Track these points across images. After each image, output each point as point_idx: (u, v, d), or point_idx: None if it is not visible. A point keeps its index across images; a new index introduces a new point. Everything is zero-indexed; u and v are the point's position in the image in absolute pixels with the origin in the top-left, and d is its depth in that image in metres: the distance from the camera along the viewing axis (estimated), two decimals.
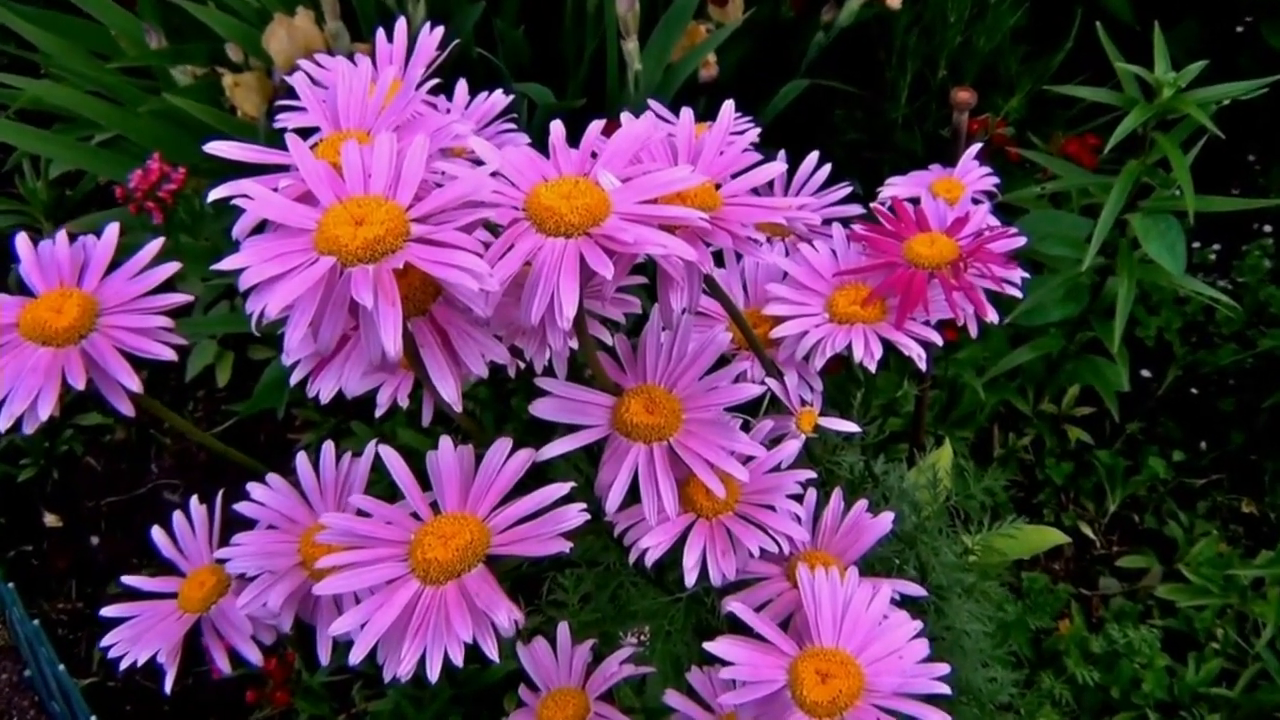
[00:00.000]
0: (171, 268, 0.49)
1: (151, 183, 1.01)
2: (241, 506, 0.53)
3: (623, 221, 0.42)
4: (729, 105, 0.49)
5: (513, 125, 0.61)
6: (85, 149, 1.15)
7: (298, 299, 0.39)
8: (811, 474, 0.52)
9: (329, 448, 0.54)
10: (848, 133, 1.18)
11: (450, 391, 0.45)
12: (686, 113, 0.49)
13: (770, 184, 0.67)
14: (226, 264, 0.40)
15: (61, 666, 0.89)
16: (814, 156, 0.68)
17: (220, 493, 0.56)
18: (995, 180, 0.68)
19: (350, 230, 0.40)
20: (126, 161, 1.07)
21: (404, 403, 0.56)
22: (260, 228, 0.44)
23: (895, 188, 0.68)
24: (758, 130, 0.49)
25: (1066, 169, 0.96)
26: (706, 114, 0.57)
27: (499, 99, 0.62)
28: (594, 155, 0.46)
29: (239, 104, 1.06)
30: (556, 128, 0.46)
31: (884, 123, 1.17)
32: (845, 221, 0.63)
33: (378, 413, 0.56)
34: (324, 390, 0.46)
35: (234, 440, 1.22)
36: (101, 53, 1.15)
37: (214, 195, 0.43)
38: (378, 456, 0.50)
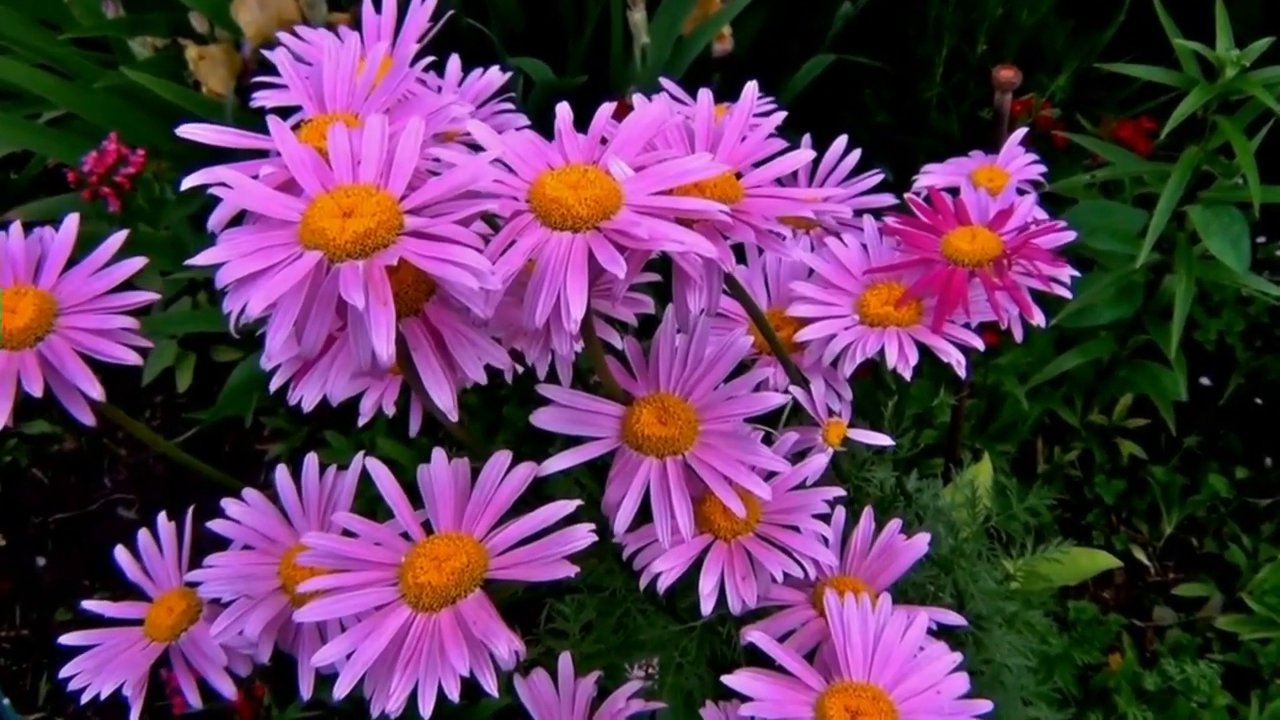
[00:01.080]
0: (137, 263, 0.50)
1: (107, 166, 1.01)
2: (216, 524, 0.53)
3: (636, 214, 0.42)
4: (752, 86, 0.50)
5: (510, 105, 0.62)
6: (33, 128, 1.15)
7: (281, 297, 0.39)
8: (840, 491, 0.53)
9: (312, 460, 0.54)
10: (877, 114, 1.19)
11: (445, 399, 0.45)
12: (705, 94, 0.50)
13: (794, 172, 0.67)
14: (202, 258, 0.41)
15: (6, 700, 0.90)
16: (842, 141, 0.68)
17: (190, 509, 0.57)
18: (1042, 169, 0.69)
19: (338, 222, 0.41)
20: (79, 142, 1.08)
21: (390, 410, 0.57)
22: (238, 219, 0.44)
23: (932, 176, 0.69)
24: (784, 114, 0.50)
25: (1118, 155, 0.97)
26: (721, 92, 0.57)
27: (495, 76, 0.62)
28: (604, 141, 0.46)
29: (204, 80, 1.07)
30: (563, 111, 0.47)
31: (917, 103, 1.17)
32: (876, 213, 0.64)
33: (360, 421, 0.57)
34: (307, 397, 0.46)
35: (195, 451, 1.22)
36: (51, 22, 1.16)
37: (188, 183, 0.44)
38: (364, 470, 0.51)
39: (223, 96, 1.05)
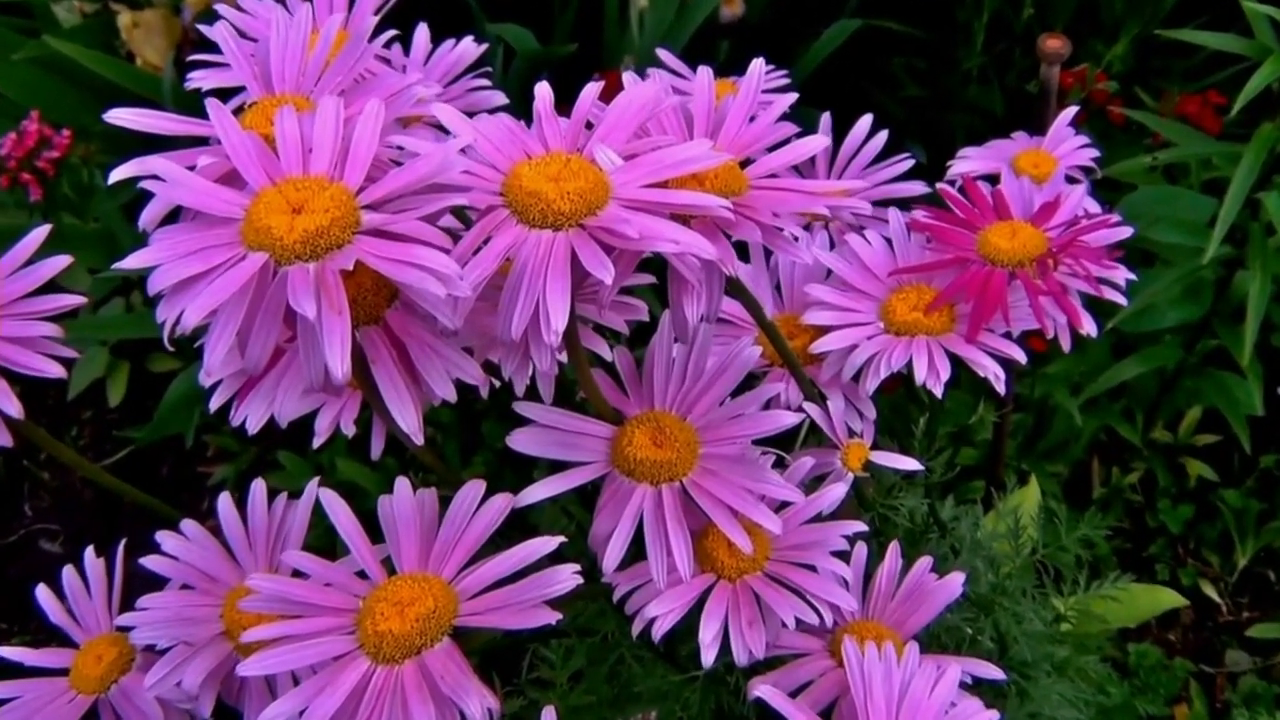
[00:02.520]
0: (61, 261, 0.50)
1: (28, 149, 1.02)
2: (150, 561, 0.54)
3: (625, 210, 0.43)
4: (759, 64, 0.50)
5: (486, 82, 0.63)
6: None
7: (222, 305, 0.40)
8: (861, 525, 0.53)
9: (260, 488, 0.55)
10: (908, 87, 1.19)
11: (409, 419, 0.46)
12: (705, 72, 0.50)
13: (811, 159, 0.68)
14: (132, 261, 0.41)
15: None
16: (866, 121, 0.69)
17: (122, 543, 0.57)
18: (1094, 153, 0.69)
19: (286, 220, 0.41)
20: None
21: (349, 430, 0.57)
22: (174, 216, 0.45)
23: (968, 161, 0.69)
24: (794, 96, 0.50)
25: (1183, 134, 0.97)
26: (729, 63, 0.58)
27: (469, 49, 0.63)
28: (589, 125, 0.47)
29: (139, 50, 1.07)
30: (543, 91, 0.47)
31: (954, 75, 1.18)
32: (905, 204, 0.64)
33: (315, 442, 0.57)
34: (252, 417, 0.47)
35: (129, 474, 1.23)
36: None
37: (116, 175, 0.44)
38: (318, 499, 0.51)
39: (160, 69, 1.05)
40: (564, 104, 0.48)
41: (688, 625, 0.51)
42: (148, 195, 0.44)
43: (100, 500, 1.23)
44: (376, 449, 0.58)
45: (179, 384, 1.10)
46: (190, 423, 1.12)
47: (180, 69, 1.06)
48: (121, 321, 1.19)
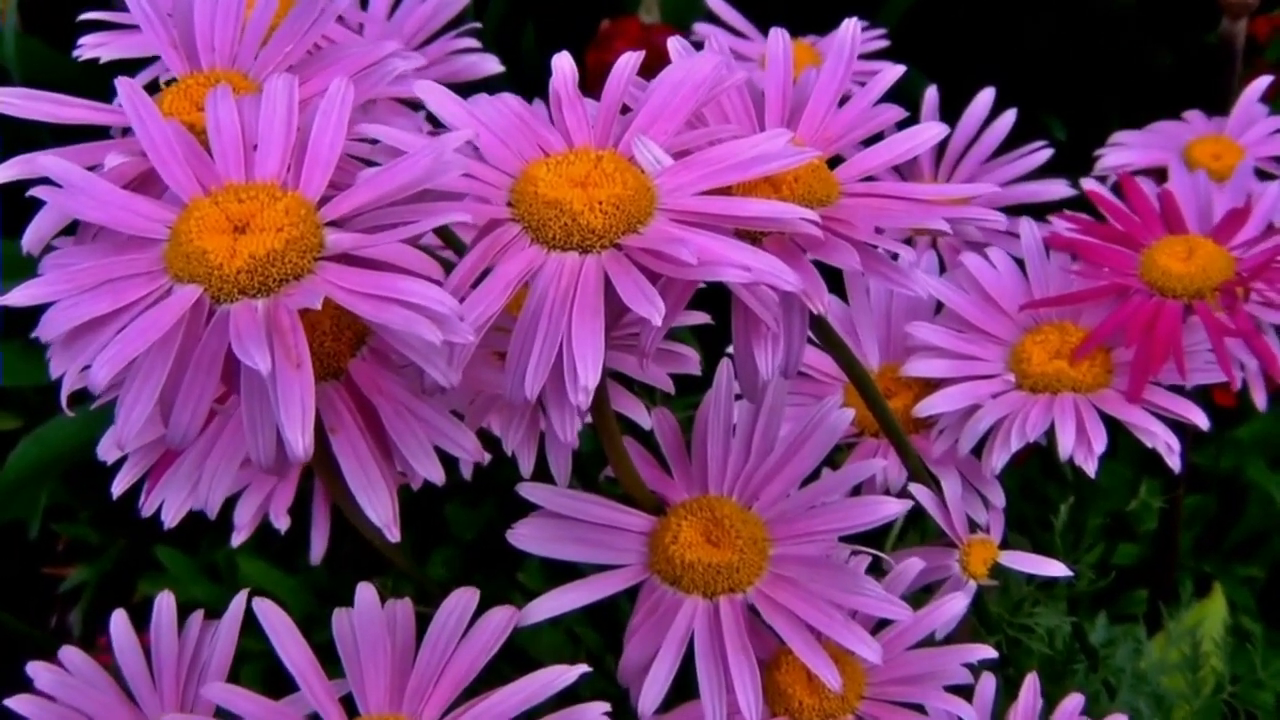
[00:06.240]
0: None
1: None
2: (19, 702, 0.55)
3: (677, 226, 0.44)
4: (853, 25, 0.51)
5: (473, 42, 0.64)
6: None
7: (140, 357, 0.41)
8: (988, 651, 0.55)
9: (168, 605, 0.56)
10: (1036, 39, 1.21)
11: (381, 507, 0.47)
12: (779, 35, 0.52)
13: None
14: (19, 296, 0.43)
15: None
16: (988, 97, 0.70)
17: None
18: None
19: (226, 241, 0.43)
20: None
21: (281, 523, 0.59)
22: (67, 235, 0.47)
23: (1126, 150, 0.71)
24: (901, 69, 0.51)
25: None
26: (795, 8, 0.58)
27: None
28: (624, 110, 0.49)
29: None
30: (563, 66, 0.49)
31: (1102, 21, 1.19)
32: (1039, 211, 0.66)
33: (235, 539, 0.59)
34: (170, 504, 0.48)
35: None
36: None
37: None
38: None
39: (1, 17, 1.08)
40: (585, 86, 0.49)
41: None
42: (33, 205, 0.46)
43: None
44: (318, 549, 0.60)
45: (22, 450, 1.10)
46: (36, 506, 1.12)
47: (26, 16, 1.08)
48: None
